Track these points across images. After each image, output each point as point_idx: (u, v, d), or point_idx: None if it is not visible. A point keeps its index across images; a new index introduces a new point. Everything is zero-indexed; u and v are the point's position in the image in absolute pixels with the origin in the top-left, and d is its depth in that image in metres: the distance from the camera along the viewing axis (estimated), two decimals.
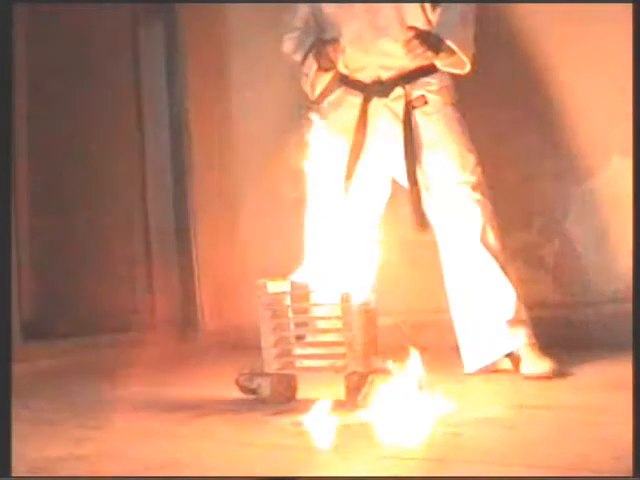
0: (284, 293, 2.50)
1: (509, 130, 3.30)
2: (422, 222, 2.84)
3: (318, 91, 2.95)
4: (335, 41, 2.81)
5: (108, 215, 4.16)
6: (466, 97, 3.16)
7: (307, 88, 2.96)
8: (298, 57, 2.96)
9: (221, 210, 4.02)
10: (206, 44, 4.07)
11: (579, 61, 3.17)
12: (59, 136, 4.29)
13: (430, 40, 2.73)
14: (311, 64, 2.88)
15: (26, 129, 4.21)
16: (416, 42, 2.70)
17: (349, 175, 2.86)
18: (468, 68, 2.80)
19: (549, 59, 3.24)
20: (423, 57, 2.75)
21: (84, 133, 4.21)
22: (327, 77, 2.92)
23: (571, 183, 3.23)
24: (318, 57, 2.84)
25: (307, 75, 2.92)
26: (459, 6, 2.80)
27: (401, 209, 2.89)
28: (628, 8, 2.60)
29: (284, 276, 2.55)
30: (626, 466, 1.50)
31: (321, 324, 2.57)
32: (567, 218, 3.25)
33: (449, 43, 2.73)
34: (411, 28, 2.74)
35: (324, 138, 2.93)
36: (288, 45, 3.01)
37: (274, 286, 2.50)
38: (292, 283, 2.50)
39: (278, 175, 3.04)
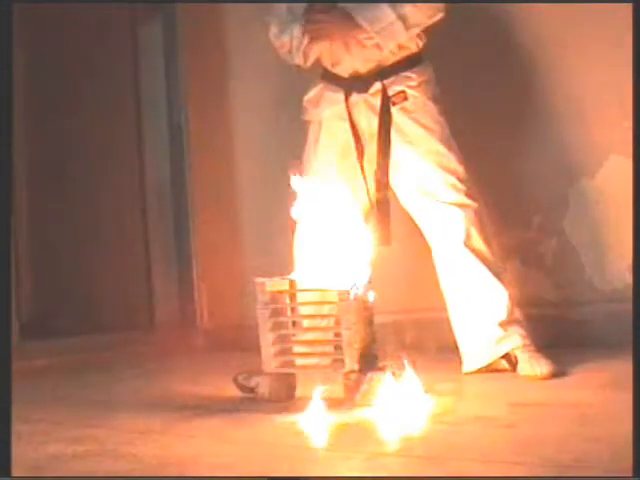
0: (283, 292, 2.50)
1: (507, 129, 3.30)
2: (386, 235, 2.76)
3: (312, 59, 2.87)
4: (327, 6, 2.76)
5: (107, 215, 4.17)
6: (464, 96, 3.17)
7: (299, 58, 2.85)
8: (285, 37, 2.86)
9: (220, 210, 4.02)
10: (206, 44, 4.06)
11: (578, 61, 3.17)
12: (58, 136, 4.30)
13: (337, 15, 2.73)
14: (302, 33, 2.80)
15: (26, 129, 4.22)
16: (312, 16, 2.73)
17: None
18: (384, 50, 2.76)
19: (547, 59, 3.24)
20: (326, 31, 2.75)
21: (83, 133, 4.22)
22: (319, 46, 2.83)
23: (569, 182, 3.23)
24: (309, 26, 2.78)
25: (298, 45, 2.82)
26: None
27: (399, 207, 2.89)
28: (628, 8, 2.60)
29: (283, 275, 2.55)
30: (625, 466, 1.50)
31: (319, 323, 2.58)
32: (565, 217, 3.25)
33: (358, 19, 2.72)
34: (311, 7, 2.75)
35: (313, 135, 2.93)
36: (273, 29, 2.93)
37: (273, 285, 2.50)
38: (290, 282, 2.51)
39: (278, 175, 3.03)
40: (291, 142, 3.01)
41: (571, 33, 3.17)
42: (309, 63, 2.88)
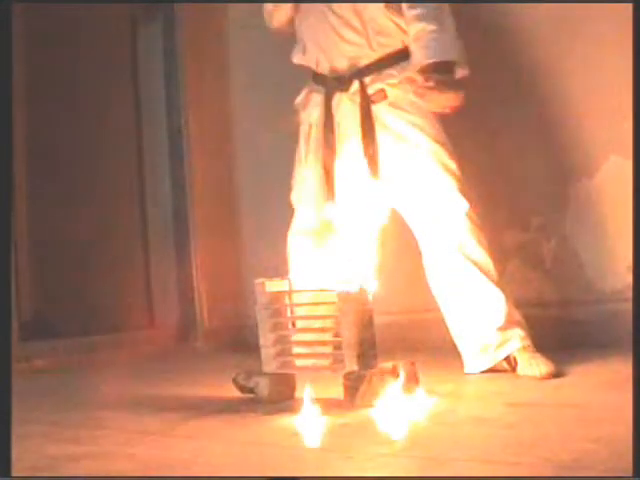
0: (282, 292, 2.50)
1: (507, 128, 3.30)
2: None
3: (276, 20, 2.98)
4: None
5: (107, 215, 4.17)
6: (464, 97, 3.16)
7: (267, 18, 3.00)
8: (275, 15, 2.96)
9: (220, 210, 4.02)
10: (205, 45, 4.07)
11: (577, 61, 3.17)
12: (57, 137, 4.30)
13: (439, 72, 2.70)
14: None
15: (25, 130, 4.22)
16: (425, 87, 2.68)
17: (329, 177, 2.79)
18: (466, 71, 2.77)
19: (547, 59, 3.24)
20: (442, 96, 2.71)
21: (82, 134, 4.22)
22: (286, 6, 2.91)
23: (569, 182, 3.24)
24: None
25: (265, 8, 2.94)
26: (433, 15, 2.75)
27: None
28: (628, 8, 2.60)
29: (282, 276, 2.55)
30: (625, 466, 1.50)
31: (319, 323, 2.58)
32: (565, 217, 3.25)
33: (453, 61, 2.71)
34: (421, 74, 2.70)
35: (304, 137, 2.93)
36: (266, 9, 3.00)
37: (272, 285, 2.50)
38: (290, 282, 2.51)
39: (277, 176, 3.04)
40: (290, 144, 3.01)
41: (571, 34, 3.18)
42: (274, 23, 3.00)
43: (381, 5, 2.80)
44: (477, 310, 2.73)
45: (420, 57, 2.73)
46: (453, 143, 2.82)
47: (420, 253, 2.87)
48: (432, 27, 2.73)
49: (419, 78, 2.70)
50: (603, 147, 3.15)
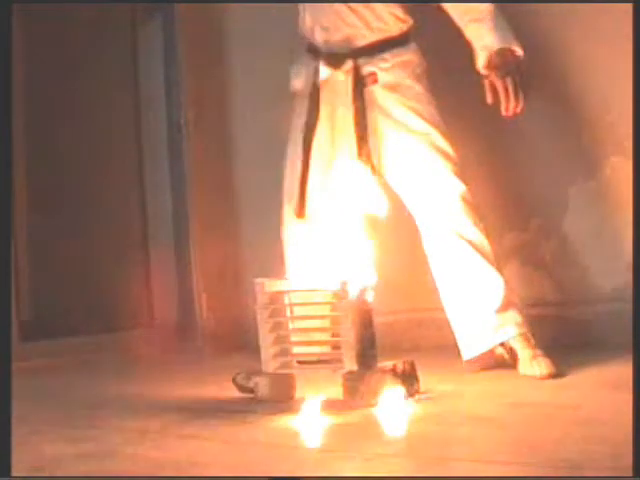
0: (282, 292, 2.50)
1: (507, 127, 3.29)
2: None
3: None
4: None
5: (107, 215, 4.16)
6: (465, 95, 3.16)
7: None
8: None
9: (220, 210, 4.02)
10: (205, 44, 4.06)
11: (577, 61, 3.18)
12: (57, 136, 4.29)
13: (507, 55, 2.67)
14: None
15: (24, 129, 4.22)
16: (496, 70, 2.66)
17: (306, 161, 2.79)
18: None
19: (547, 59, 3.24)
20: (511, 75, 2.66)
21: (82, 134, 4.21)
22: None
23: (569, 182, 3.23)
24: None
25: None
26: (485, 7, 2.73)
27: (396, 205, 2.88)
28: (628, 8, 2.60)
29: (282, 275, 2.55)
30: (625, 466, 1.50)
31: (319, 323, 2.58)
32: (565, 217, 3.25)
33: (514, 47, 2.68)
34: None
35: (297, 107, 2.92)
36: None
37: (272, 285, 2.50)
38: (290, 282, 2.51)
39: (278, 175, 3.04)
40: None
41: (571, 33, 3.18)
42: None
43: None
44: (474, 292, 2.72)
45: (493, 40, 2.69)
46: (452, 143, 2.82)
47: (420, 253, 2.87)
48: (492, 8, 2.71)
49: (483, 69, 2.69)
50: (603, 147, 3.15)
